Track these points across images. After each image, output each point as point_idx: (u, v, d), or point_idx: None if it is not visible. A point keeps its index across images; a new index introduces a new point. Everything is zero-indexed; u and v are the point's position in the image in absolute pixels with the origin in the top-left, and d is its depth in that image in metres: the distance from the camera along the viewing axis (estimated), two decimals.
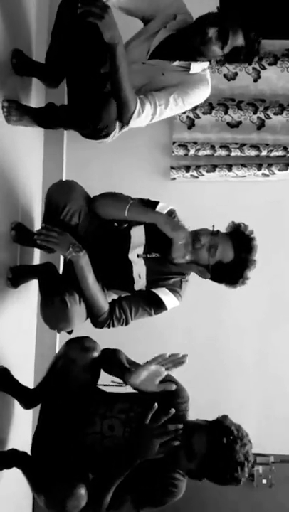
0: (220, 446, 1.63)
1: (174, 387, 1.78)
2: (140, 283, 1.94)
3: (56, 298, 1.79)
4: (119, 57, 1.77)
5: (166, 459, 1.72)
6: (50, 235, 1.80)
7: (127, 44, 2.02)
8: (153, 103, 1.94)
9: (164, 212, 1.96)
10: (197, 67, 2.03)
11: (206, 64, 2.06)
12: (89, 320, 1.93)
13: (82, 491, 1.63)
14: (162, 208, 1.97)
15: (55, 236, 1.80)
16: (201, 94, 2.06)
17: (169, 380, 1.80)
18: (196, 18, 1.98)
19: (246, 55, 1.95)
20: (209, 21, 1.88)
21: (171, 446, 1.66)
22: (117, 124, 2.03)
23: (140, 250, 1.93)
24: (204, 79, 2.06)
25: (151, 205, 1.97)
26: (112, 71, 1.80)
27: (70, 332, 1.92)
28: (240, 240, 1.86)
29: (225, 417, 1.72)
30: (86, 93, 1.89)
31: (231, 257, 1.85)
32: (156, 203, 1.99)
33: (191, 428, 1.70)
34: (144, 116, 1.93)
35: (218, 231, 1.88)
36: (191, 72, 2.01)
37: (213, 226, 1.89)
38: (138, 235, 1.94)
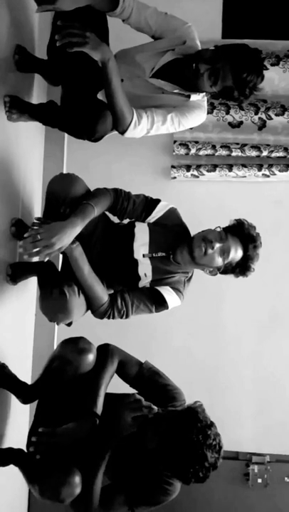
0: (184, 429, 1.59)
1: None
2: (145, 281, 1.95)
3: (55, 289, 1.80)
4: (111, 72, 1.78)
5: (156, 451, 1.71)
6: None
7: (136, 51, 2.02)
8: (150, 118, 1.95)
9: (165, 210, 1.97)
10: (196, 96, 2.06)
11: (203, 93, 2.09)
12: (88, 318, 1.93)
13: (77, 478, 1.61)
14: (163, 206, 1.97)
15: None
16: (197, 119, 2.10)
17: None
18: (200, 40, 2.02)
19: (238, 96, 1.96)
20: (203, 58, 1.91)
21: (144, 417, 1.65)
22: None
23: (145, 249, 1.94)
24: (202, 106, 2.10)
25: (152, 203, 1.98)
26: (105, 85, 1.81)
27: (69, 324, 1.92)
28: (246, 236, 1.91)
29: (200, 405, 1.68)
30: (83, 101, 1.88)
31: (241, 255, 1.91)
32: (158, 201, 1.99)
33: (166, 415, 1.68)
34: (139, 129, 1.95)
35: (226, 234, 1.90)
36: (190, 99, 2.05)
37: (218, 227, 1.92)
38: (141, 233, 1.96)
